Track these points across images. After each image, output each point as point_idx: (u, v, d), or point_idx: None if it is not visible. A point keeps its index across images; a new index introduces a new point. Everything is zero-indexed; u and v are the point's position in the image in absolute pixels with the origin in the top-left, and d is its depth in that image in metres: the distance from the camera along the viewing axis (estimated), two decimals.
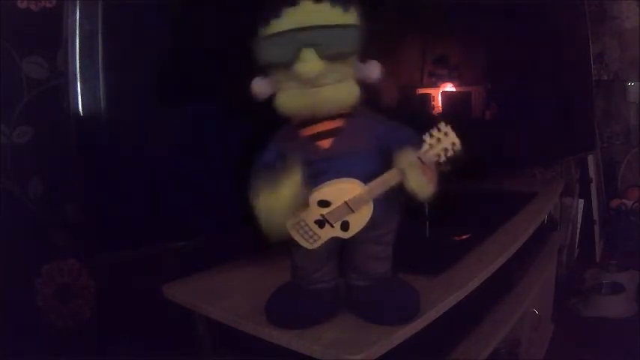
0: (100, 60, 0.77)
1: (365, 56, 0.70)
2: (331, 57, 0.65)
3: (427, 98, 1.14)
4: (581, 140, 1.54)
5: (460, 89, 1.20)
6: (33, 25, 0.98)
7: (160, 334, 1.05)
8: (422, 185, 0.66)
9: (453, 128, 0.65)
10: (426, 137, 0.65)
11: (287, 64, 0.65)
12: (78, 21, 0.76)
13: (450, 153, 0.65)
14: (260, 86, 0.69)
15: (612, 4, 2.12)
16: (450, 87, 1.17)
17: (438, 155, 0.65)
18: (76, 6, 0.76)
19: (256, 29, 0.67)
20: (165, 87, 0.84)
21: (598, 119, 2.00)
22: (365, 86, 0.69)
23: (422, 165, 0.65)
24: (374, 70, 0.69)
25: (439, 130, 0.65)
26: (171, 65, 0.84)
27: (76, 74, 0.77)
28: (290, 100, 0.67)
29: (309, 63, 0.64)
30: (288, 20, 0.65)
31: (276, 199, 0.64)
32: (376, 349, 0.67)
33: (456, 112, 1.17)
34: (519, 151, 1.28)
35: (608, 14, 2.13)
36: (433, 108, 1.15)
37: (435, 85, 1.15)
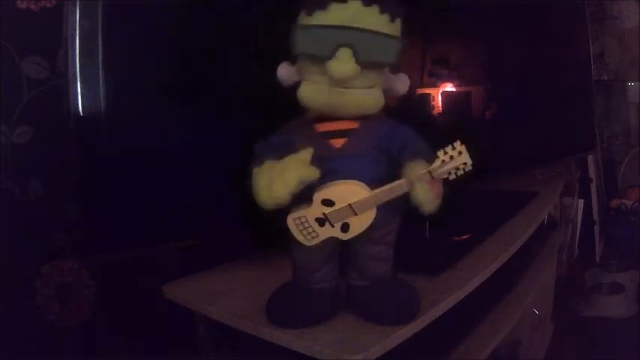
0: (100, 60, 0.77)
1: (396, 68, 0.69)
2: (367, 63, 0.65)
3: (427, 98, 1.14)
4: (581, 140, 1.54)
5: (460, 89, 1.20)
6: (33, 25, 0.98)
7: (160, 334, 1.05)
8: (428, 199, 0.66)
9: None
10: (440, 153, 0.65)
11: (321, 59, 0.65)
12: (78, 21, 0.76)
13: (461, 172, 0.65)
14: (286, 72, 0.68)
15: (612, 4, 2.12)
16: (450, 87, 1.17)
17: (449, 173, 0.65)
18: (76, 6, 0.76)
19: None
20: (165, 87, 0.84)
21: (598, 119, 2.00)
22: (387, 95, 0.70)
23: (431, 180, 0.65)
24: (402, 84, 0.69)
25: (453, 148, 0.65)
26: (171, 65, 0.84)
27: (76, 74, 0.77)
28: (316, 94, 0.67)
29: (345, 64, 0.63)
30: (333, 15, 0.64)
31: (281, 170, 0.64)
32: (376, 349, 0.67)
33: (455, 112, 1.17)
34: (519, 151, 1.28)
35: (608, 14, 2.13)
36: (433, 108, 1.15)
37: (435, 85, 1.15)
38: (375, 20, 0.65)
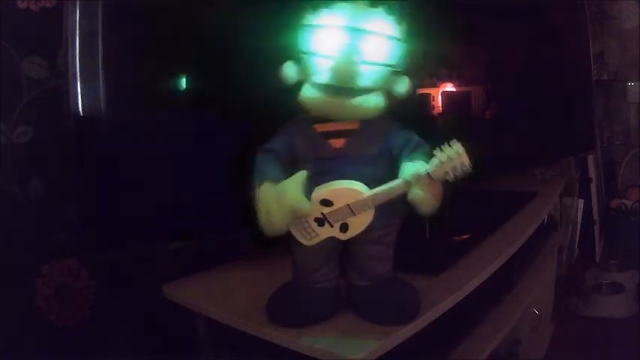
0: (100, 60, 0.77)
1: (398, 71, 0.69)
2: (369, 64, 0.65)
3: (427, 98, 1.14)
4: (581, 140, 1.54)
5: (460, 89, 1.20)
6: (33, 25, 0.98)
7: (160, 334, 1.05)
8: (426, 200, 0.65)
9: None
10: (437, 153, 0.65)
11: (324, 57, 0.65)
12: (78, 21, 0.76)
13: (459, 172, 0.65)
14: (290, 71, 0.68)
15: (612, 4, 2.12)
16: (450, 87, 1.17)
17: (447, 173, 0.65)
18: (76, 6, 0.76)
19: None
20: (164, 87, 0.84)
21: (598, 119, 1.99)
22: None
23: (429, 180, 0.65)
24: (403, 86, 0.69)
25: (451, 147, 0.64)
26: (171, 65, 0.84)
27: (76, 74, 0.77)
28: (317, 99, 0.67)
29: (348, 64, 0.64)
30: (340, 15, 0.64)
31: (278, 201, 0.64)
32: (376, 349, 0.67)
33: (455, 112, 1.17)
34: (519, 151, 1.28)
35: (608, 14, 2.13)
36: (433, 108, 1.14)
37: (435, 85, 1.15)
38: (381, 22, 0.65)
